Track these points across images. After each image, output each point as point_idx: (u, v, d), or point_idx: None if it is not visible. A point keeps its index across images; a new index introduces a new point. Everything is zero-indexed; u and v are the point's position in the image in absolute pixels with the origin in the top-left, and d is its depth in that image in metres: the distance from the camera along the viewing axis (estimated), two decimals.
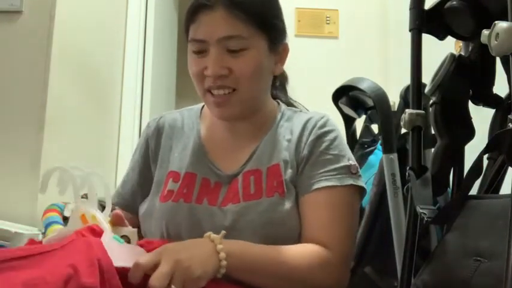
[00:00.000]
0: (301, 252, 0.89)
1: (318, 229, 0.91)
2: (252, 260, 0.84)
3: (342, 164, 0.96)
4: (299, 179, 0.96)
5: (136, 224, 1.02)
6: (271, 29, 0.98)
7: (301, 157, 0.97)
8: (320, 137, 0.98)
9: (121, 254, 0.77)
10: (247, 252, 0.85)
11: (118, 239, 0.81)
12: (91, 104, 2.30)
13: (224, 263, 0.80)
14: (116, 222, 0.84)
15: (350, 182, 0.94)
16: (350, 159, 0.98)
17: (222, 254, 0.80)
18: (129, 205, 1.06)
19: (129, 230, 0.86)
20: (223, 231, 0.84)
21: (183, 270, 0.75)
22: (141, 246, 0.86)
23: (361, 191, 0.98)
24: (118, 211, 0.87)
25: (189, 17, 0.96)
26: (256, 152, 0.99)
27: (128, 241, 0.84)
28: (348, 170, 0.95)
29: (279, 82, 1.12)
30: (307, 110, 1.11)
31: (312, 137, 0.98)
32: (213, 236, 0.83)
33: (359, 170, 0.98)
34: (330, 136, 0.98)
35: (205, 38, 0.93)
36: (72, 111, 2.08)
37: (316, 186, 0.93)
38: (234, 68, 0.93)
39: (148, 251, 0.83)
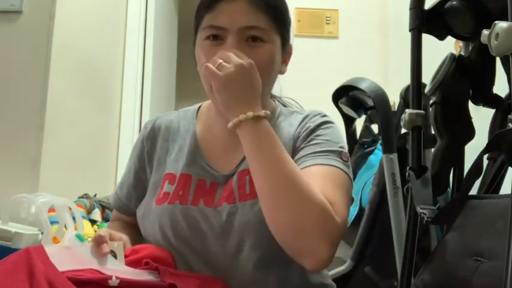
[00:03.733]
0: (313, 186, 0.82)
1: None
2: (269, 147, 0.85)
3: (332, 148, 0.92)
4: None
5: (135, 226, 1.02)
6: (285, 27, 0.99)
7: (296, 152, 0.95)
8: (314, 130, 0.96)
9: (76, 256, 0.80)
10: (264, 138, 0.85)
11: (80, 237, 0.83)
12: (91, 104, 2.30)
13: (237, 119, 0.84)
14: (99, 243, 0.84)
15: (339, 164, 0.90)
16: (343, 147, 0.94)
17: (242, 116, 0.84)
18: (125, 207, 1.06)
19: (114, 245, 0.86)
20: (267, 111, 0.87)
21: (229, 76, 0.84)
22: (127, 255, 0.86)
23: (349, 177, 0.93)
24: (101, 232, 0.86)
25: (207, 5, 0.95)
26: None
27: (114, 256, 0.84)
28: (339, 155, 0.92)
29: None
30: (301, 108, 1.11)
31: (306, 131, 0.97)
32: (264, 112, 0.86)
33: (349, 160, 0.95)
34: (324, 126, 0.97)
35: (225, 25, 0.92)
36: (72, 111, 2.08)
37: (301, 166, 0.90)
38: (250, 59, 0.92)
39: (134, 260, 0.84)
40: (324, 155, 0.91)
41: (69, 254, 0.81)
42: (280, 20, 0.97)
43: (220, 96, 0.86)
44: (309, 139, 0.95)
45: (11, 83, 1.85)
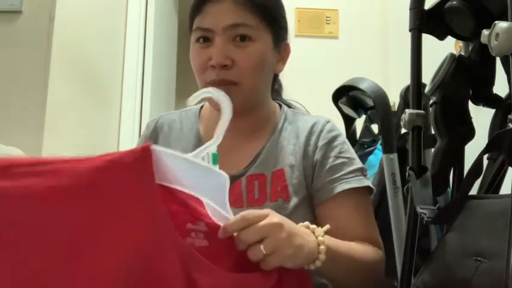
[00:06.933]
0: (364, 248, 0.91)
1: (357, 229, 0.93)
2: (340, 256, 0.83)
3: (356, 166, 0.98)
4: (317, 184, 0.96)
5: None
6: (276, 24, 0.99)
7: (312, 161, 0.97)
8: (331, 141, 0.99)
9: (193, 175, 0.64)
10: (337, 249, 0.82)
11: (215, 158, 0.69)
12: (91, 104, 2.30)
13: (323, 256, 0.75)
14: None
15: (367, 183, 0.97)
16: (359, 162, 1.00)
17: (323, 247, 0.76)
18: None
19: None
20: (328, 225, 0.80)
21: (279, 238, 0.69)
22: None
23: (371, 192, 1.01)
24: None
25: (195, 8, 0.96)
26: (261, 156, 0.99)
27: None
28: (362, 172, 0.98)
29: (277, 85, 1.12)
30: (307, 111, 1.11)
31: (322, 141, 0.99)
32: (313, 226, 0.79)
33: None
34: (340, 140, 1.00)
35: (211, 27, 0.93)
36: (72, 111, 2.08)
37: (339, 189, 0.94)
38: (237, 59, 0.93)
39: None
40: (354, 177, 0.96)
41: (185, 168, 0.64)
42: (269, 17, 0.97)
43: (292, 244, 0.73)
44: (331, 157, 0.98)
45: (11, 82, 1.85)
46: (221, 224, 0.68)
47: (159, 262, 0.57)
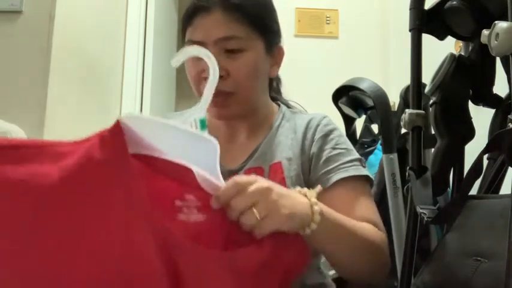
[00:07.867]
0: (367, 227, 0.88)
1: (358, 216, 0.90)
2: (337, 224, 0.79)
3: (353, 157, 0.97)
4: (314, 176, 0.96)
5: None
6: (267, 31, 0.99)
7: (309, 154, 0.98)
8: (327, 134, 0.99)
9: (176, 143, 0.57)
10: (334, 214, 0.78)
11: (203, 123, 0.63)
12: (91, 104, 2.30)
13: (318, 217, 0.72)
14: None
15: (365, 172, 0.96)
16: (357, 153, 1.00)
17: (317, 208, 0.72)
18: None
19: None
20: (320, 186, 0.78)
21: (271, 201, 0.67)
22: None
23: (371, 183, 1.00)
24: None
25: (186, 19, 0.97)
26: (258, 151, 1.00)
27: None
28: (360, 163, 0.97)
29: (275, 83, 1.13)
30: (306, 111, 1.12)
31: (318, 135, 0.99)
32: (305, 190, 0.76)
33: None
34: (336, 133, 1.00)
35: (202, 39, 0.94)
36: (72, 111, 2.08)
37: (335, 178, 0.93)
38: (231, 70, 0.94)
39: None
40: (351, 166, 0.95)
41: (171, 136, 0.58)
42: (260, 25, 0.97)
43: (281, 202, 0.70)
44: (327, 149, 0.97)
45: (11, 82, 1.85)
46: (212, 193, 0.64)
47: (135, 246, 0.54)
